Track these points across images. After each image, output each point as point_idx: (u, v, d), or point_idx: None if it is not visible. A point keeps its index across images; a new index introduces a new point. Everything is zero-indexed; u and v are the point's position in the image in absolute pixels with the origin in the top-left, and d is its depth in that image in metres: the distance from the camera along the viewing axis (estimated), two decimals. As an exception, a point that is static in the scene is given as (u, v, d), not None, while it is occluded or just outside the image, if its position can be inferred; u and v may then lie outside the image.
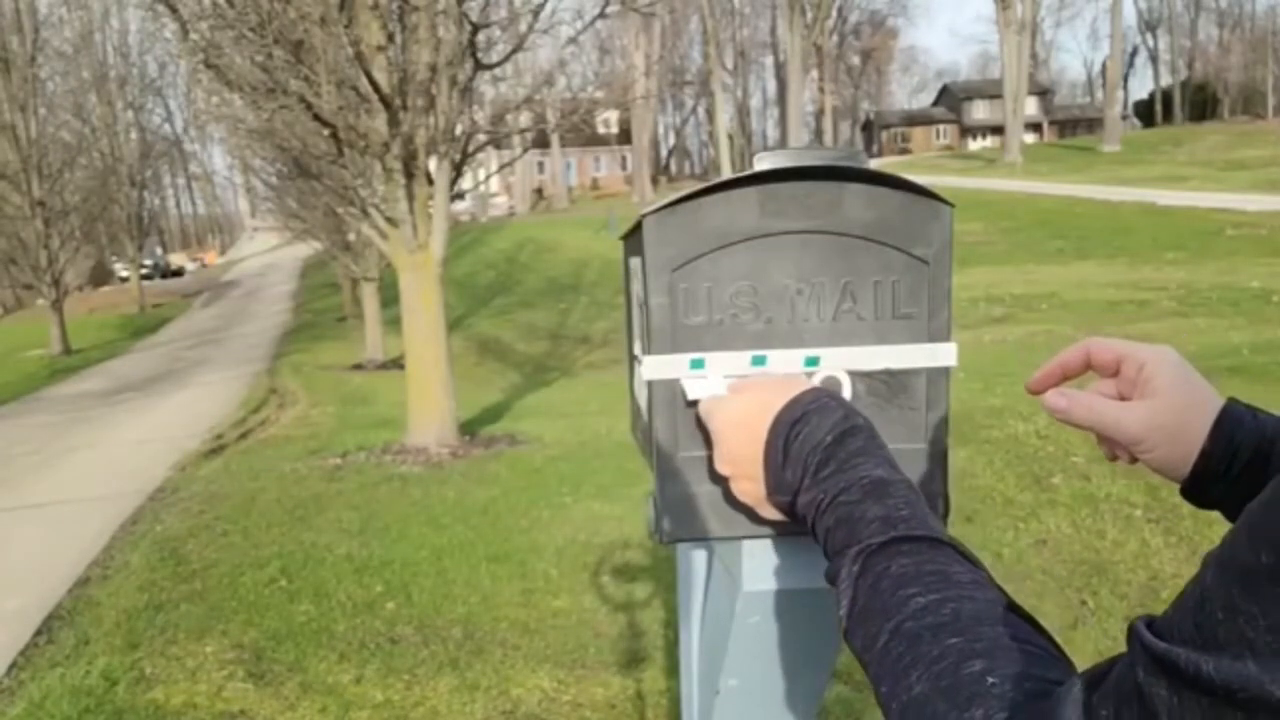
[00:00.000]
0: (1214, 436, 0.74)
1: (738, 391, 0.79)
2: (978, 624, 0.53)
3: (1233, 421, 0.74)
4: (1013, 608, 0.55)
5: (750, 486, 0.75)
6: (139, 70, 33.19)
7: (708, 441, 0.81)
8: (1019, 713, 0.48)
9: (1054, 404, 0.79)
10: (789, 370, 0.83)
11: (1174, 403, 0.76)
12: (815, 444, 0.68)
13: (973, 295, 14.35)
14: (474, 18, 7.32)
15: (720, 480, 0.79)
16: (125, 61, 32.40)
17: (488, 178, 24.15)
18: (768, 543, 0.85)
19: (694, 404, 0.83)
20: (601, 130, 54.10)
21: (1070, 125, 67.59)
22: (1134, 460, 0.79)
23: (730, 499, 0.81)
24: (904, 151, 64.72)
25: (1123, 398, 0.79)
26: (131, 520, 6.33)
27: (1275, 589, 0.38)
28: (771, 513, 0.74)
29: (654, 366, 0.83)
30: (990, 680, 0.50)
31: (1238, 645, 0.39)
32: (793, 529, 0.85)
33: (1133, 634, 0.45)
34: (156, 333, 25.33)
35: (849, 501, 0.64)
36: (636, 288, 0.90)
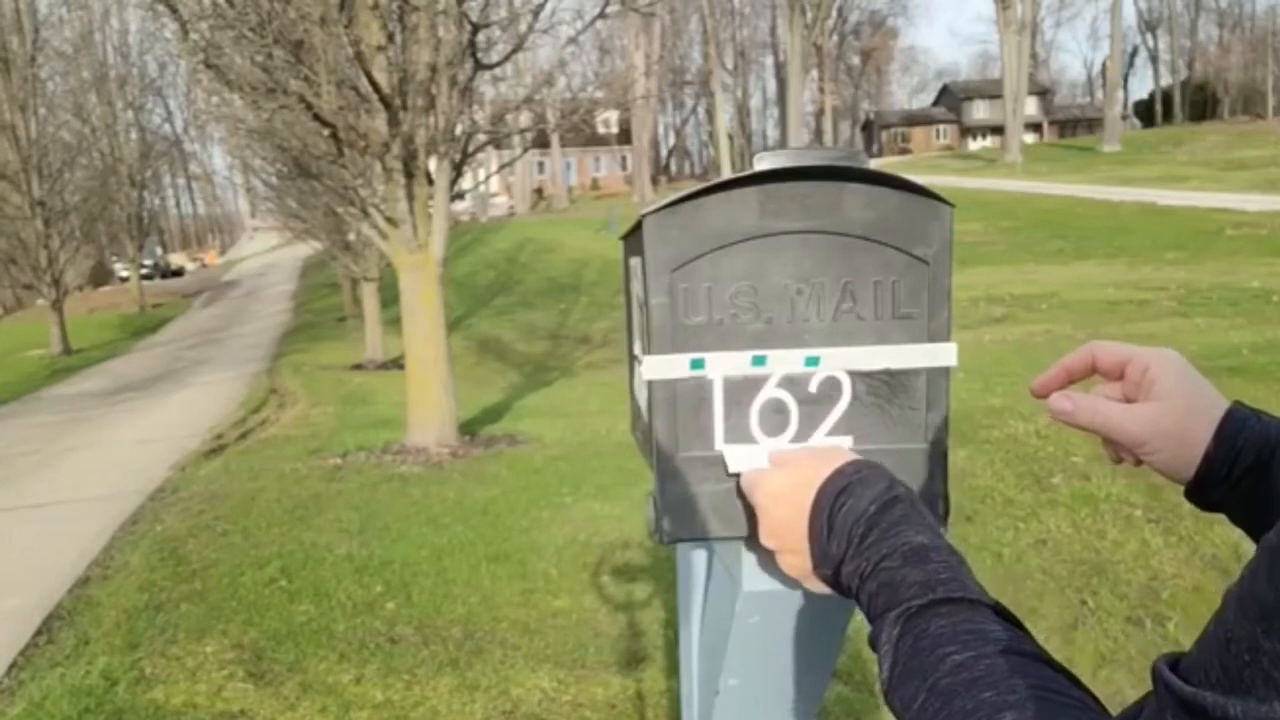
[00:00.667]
0: (1217, 440, 0.75)
1: (780, 465, 0.79)
2: (1011, 677, 0.54)
3: (1236, 425, 0.75)
4: (1049, 663, 0.56)
5: (796, 560, 0.75)
6: (139, 70, 33.21)
7: (751, 516, 0.81)
8: None
9: (1059, 407, 0.80)
10: (828, 444, 0.84)
11: (1177, 405, 0.77)
12: (859, 515, 0.68)
13: (973, 295, 14.35)
14: (474, 18, 7.32)
15: (767, 551, 0.79)
16: (125, 61, 32.41)
17: (488, 178, 24.15)
18: (768, 543, 0.85)
19: (735, 475, 0.83)
20: (601, 130, 54.08)
21: (1070, 125, 67.59)
22: (1139, 463, 0.80)
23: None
24: (904, 151, 64.72)
25: (1128, 401, 0.80)
26: (131, 520, 6.33)
27: None
28: (818, 585, 0.74)
29: (654, 366, 0.83)
30: None
31: (1264, 687, 0.39)
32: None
33: (1157, 676, 0.45)
34: (156, 333, 25.33)
35: (890, 567, 0.64)
36: (636, 288, 0.90)
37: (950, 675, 0.55)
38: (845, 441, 0.85)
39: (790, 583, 0.84)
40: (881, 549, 0.66)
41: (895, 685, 0.59)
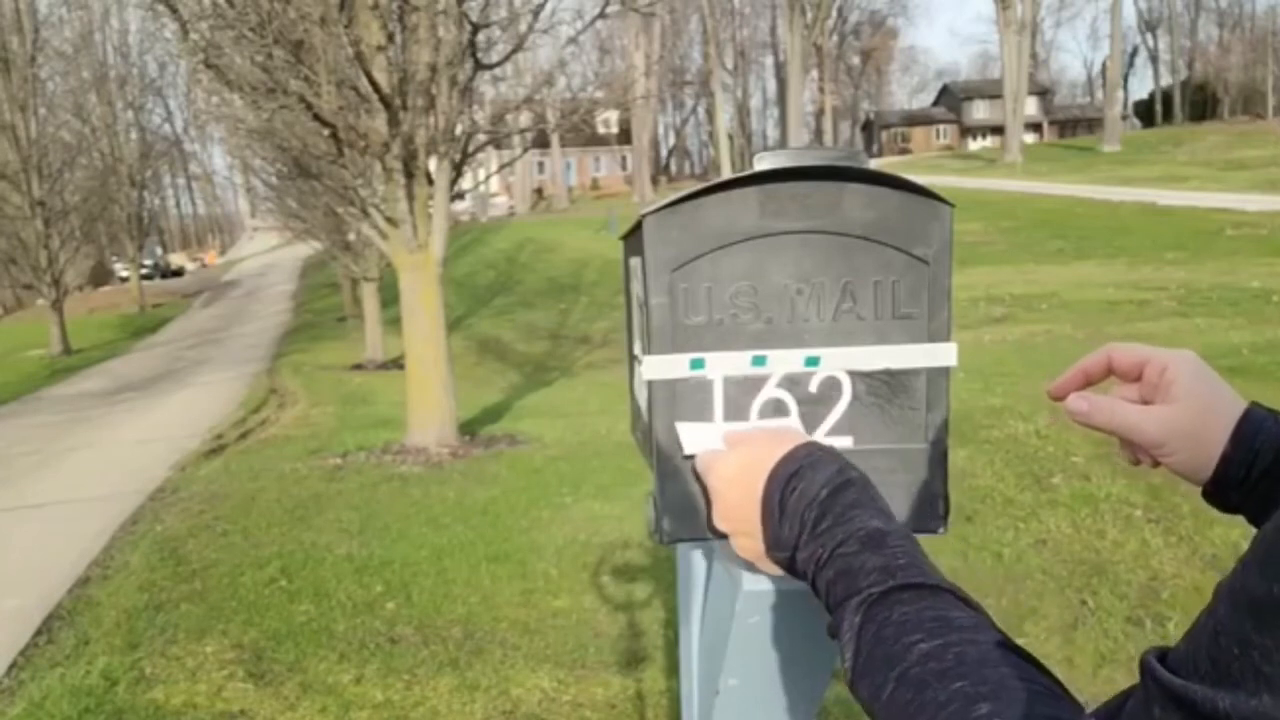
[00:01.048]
0: (1234, 441, 0.75)
1: (733, 446, 0.78)
2: (981, 667, 0.53)
3: (1254, 426, 0.75)
4: (1014, 649, 0.55)
5: (749, 543, 0.74)
6: (139, 70, 33.21)
7: (706, 498, 0.80)
8: None
9: (1076, 408, 0.80)
10: (781, 424, 0.83)
11: (1194, 406, 0.76)
12: (811, 499, 0.68)
13: (973, 295, 14.35)
14: (474, 18, 7.32)
15: (719, 535, 0.79)
16: (125, 61, 32.42)
17: (488, 178, 24.16)
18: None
19: (690, 458, 0.83)
20: (601, 130, 54.07)
21: (1070, 125, 67.59)
22: (1156, 464, 0.80)
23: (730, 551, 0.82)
24: (904, 151, 64.72)
25: (1145, 402, 0.80)
26: (131, 520, 6.33)
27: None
28: (771, 568, 0.74)
29: (654, 366, 0.83)
30: None
31: (1253, 681, 0.39)
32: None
33: (1145, 668, 0.45)
34: (156, 333, 25.34)
35: (847, 554, 0.64)
36: (636, 288, 0.90)
37: (919, 665, 0.55)
38: (846, 441, 0.85)
39: (791, 582, 0.84)
40: (836, 535, 0.65)
41: (860, 674, 0.59)
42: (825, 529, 0.66)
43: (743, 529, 0.74)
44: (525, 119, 10.08)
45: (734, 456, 0.77)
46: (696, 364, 0.83)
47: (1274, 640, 0.38)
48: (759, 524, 0.72)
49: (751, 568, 0.80)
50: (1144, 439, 0.78)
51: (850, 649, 0.60)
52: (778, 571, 0.73)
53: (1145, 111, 68.01)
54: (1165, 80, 67.01)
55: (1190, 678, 0.41)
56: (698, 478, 0.82)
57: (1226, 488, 0.76)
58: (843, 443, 0.85)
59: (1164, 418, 0.77)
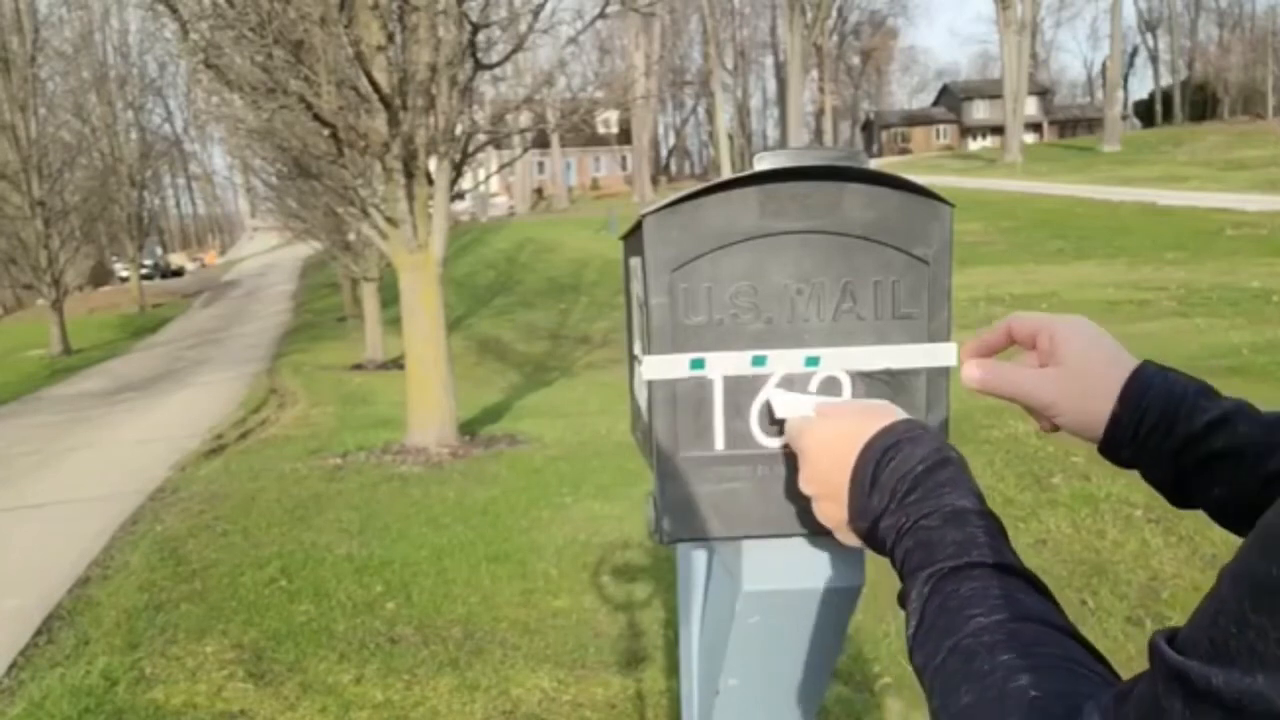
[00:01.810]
0: (1123, 400, 0.77)
1: (828, 415, 0.79)
2: (1034, 645, 0.54)
3: (1142, 385, 0.77)
4: (1074, 636, 0.56)
5: (833, 508, 0.75)
6: (139, 70, 33.21)
7: (793, 460, 0.81)
8: None
9: (970, 375, 0.83)
10: (869, 401, 0.83)
11: (1081, 368, 0.79)
12: (905, 472, 0.68)
13: (973, 295, 14.34)
14: (474, 18, 7.32)
15: (804, 498, 0.79)
16: (125, 61, 32.42)
17: (488, 178, 24.15)
18: (768, 543, 0.86)
19: (778, 422, 0.83)
20: (601, 130, 54.07)
21: (1070, 125, 67.60)
22: (1055, 428, 0.82)
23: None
24: (904, 151, 64.72)
25: (1041, 367, 0.82)
26: (131, 520, 6.33)
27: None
28: (850, 537, 0.74)
29: (654, 366, 0.83)
30: (1034, 694, 0.51)
31: (1248, 659, 0.39)
32: (793, 530, 0.85)
33: (1152, 648, 0.45)
34: (156, 333, 25.34)
35: (929, 526, 0.64)
36: (636, 288, 0.90)
37: (973, 636, 0.56)
38: None
39: (791, 582, 0.84)
40: (923, 507, 0.66)
41: (919, 643, 0.60)
42: (914, 501, 0.67)
43: (828, 493, 0.75)
44: (525, 119, 10.08)
45: (831, 424, 0.77)
46: (696, 364, 0.83)
47: (1270, 619, 0.38)
48: (846, 491, 0.72)
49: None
50: (1036, 402, 0.80)
51: (915, 618, 0.61)
52: (854, 540, 0.74)
53: (1145, 111, 68.01)
54: (1165, 80, 67.03)
55: (1191, 656, 0.42)
56: (786, 444, 0.83)
57: (1117, 445, 0.78)
58: None
59: (1053, 380, 0.80)
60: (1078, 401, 0.79)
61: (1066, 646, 0.54)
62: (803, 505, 0.81)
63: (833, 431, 0.76)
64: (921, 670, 0.59)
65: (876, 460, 0.70)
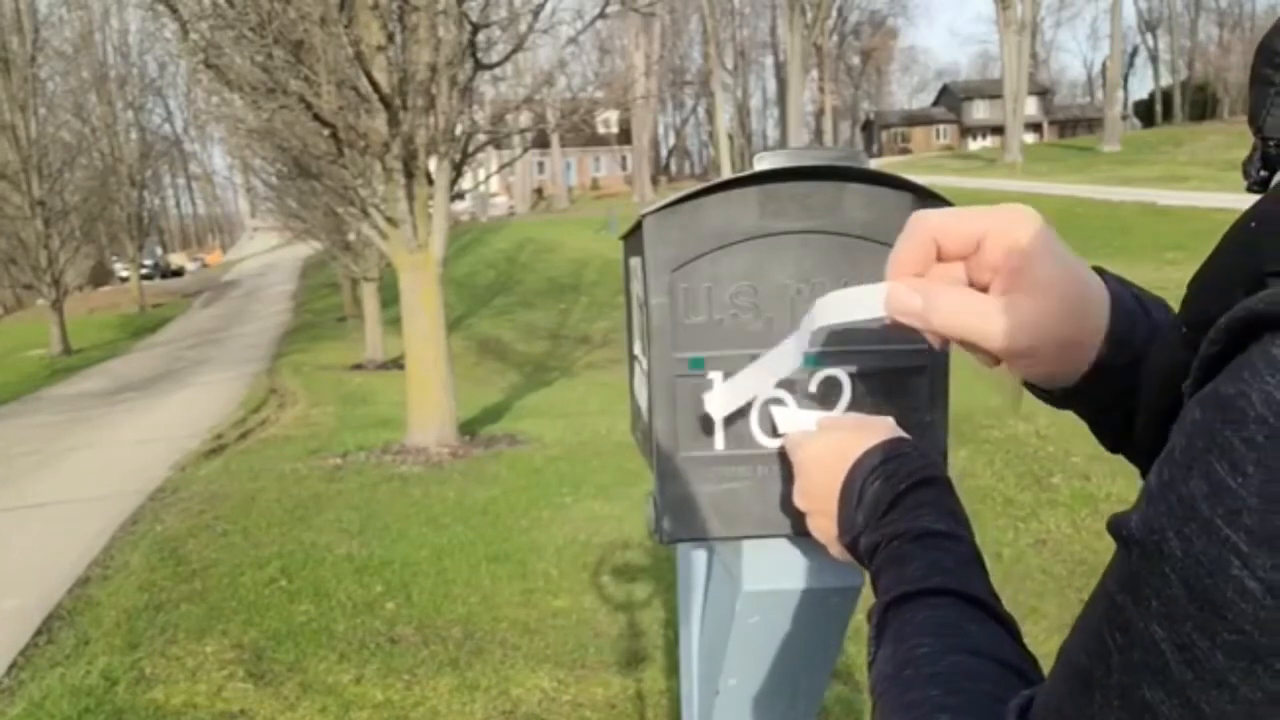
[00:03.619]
0: (1111, 342, 0.59)
1: (826, 430, 0.79)
2: (965, 679, 0.53)
3: (1128, 322, 0.60)
4: (1019, 671, 0.55)
5: (825, 524, 0.75)
6: (139, 70, 33.21)
7: (789, 475, 0.81)
8: None
9: (903, 303, 0.61)
10: (869, 417, 0.83)
11: (1066, 300, 0.58)
12: (888, 491, 0.68)
13: (973, 295, 14.34)
14: (474, 18, 7.32)
15: (798, 513, 0.80)
16: (125, 61, 32.42)
17: (488, 178, 24.16)
18: (768, 543, 0.86)
19: (780, 436, 0.84)
20: (601, 130, 54.05)
21: (1070, 125, 67.58)
22: (997, 363, 0.61)
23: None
24: (904, 151, 64.70)
25: (978, 286, 0.61)
26: (131, 520, 6.33)
27: (1090, 695, 0.39)
28: (841, 553, 0.75)
29: (719, 400, 0.84)
30: None
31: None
32: (793, 530, 0.85)
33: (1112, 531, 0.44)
34: (156, 333, 25.33)
35: (900, 548, 0.64)
36: (636, 288, 0.90)
37: (914, 666, 0.55)
38: None
39: (791, 582, 0.84)
40: (898, 527, 0.65)
41: (873, 665, 0.60)
42: (890, 521, 0.66)
43: (821, 509, 0.75)
44: (525, 119, 10.08)
45: (825, 439, 0.77)
46: (696, 364, 0.83)
47: (1074, 707, 0.40)
48: (837, 506, 0.72)
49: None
50: (1009, 349, 0.58)
51: (874, 640, 0.61)
52: (846, 557, 0.74)
53: (1145, 111, 67.99)
54: (1165, 80, 67.00)
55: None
56: (783, 456, 0.83)
57: (1086, 394, 0.61)
58: None
59: (1030, 320, 0.57)
60: (1061, 346, 0.58)
61: (1003, 683, 0.53)
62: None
63: (826, 447, 0.76)
64: (872, 694, 0.59)
65: (864, 478, 0.70)
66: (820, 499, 0.75)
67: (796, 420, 0.83)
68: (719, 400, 0.83)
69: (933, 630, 0.57)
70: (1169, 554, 0.34)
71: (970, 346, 0.60)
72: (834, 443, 0.76)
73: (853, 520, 0.70)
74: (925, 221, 0.61)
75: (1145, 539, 0.36)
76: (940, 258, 0.61)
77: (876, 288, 0.62)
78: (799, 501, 0.79)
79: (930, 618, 0.58)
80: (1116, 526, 0.39)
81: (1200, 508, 0.33)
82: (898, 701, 0.54)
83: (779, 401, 0.84)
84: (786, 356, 0.77)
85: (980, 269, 0.60)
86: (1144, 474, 0.43)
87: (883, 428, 0.76)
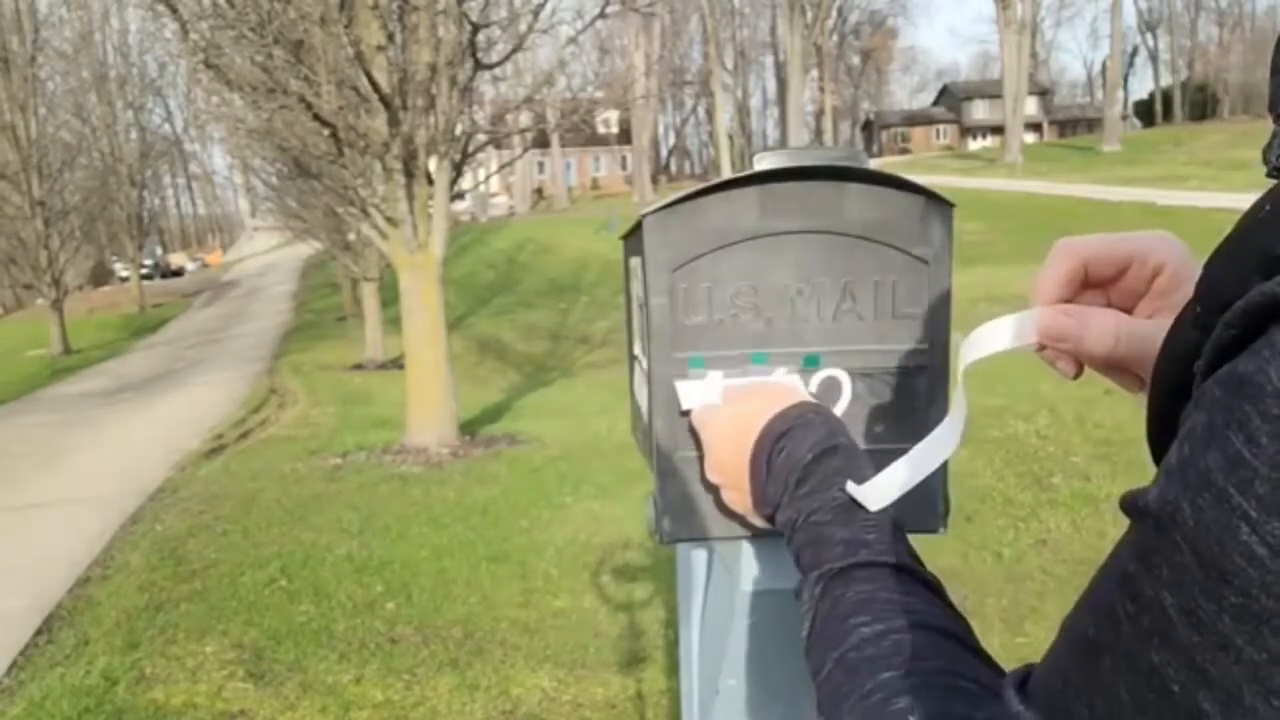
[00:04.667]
0: None
1: (729, 402, 0.79)
2: (914, 659, 0.53)
3: None
4: (958, 639, 0.55)
5: (738, 496, 0.75)
6: (139, 70, 33.19)
7: (700, 449, 0.81)
8: None
9: (1061, 329, 0.59)
10: (786, 376, 0.83)
11: None
12: (796, 460, 0.67)
13: (973, 295, 14.33)
14: (474, 18, 7.32)
15: (712, 487, 0.80)
16: (125, 61, 32.40)
17: (488, 178, 24.16)
18: (768, 543, 0.85)
19: (687, 412, 0.83)
20: (601, 130, 54.03)
21: (1070, 125, 67.59)
22: (1079, 373, 0.62)
23: (720, 504, 0.82)
24: (904, 151, 64.70)
25: (1123, 310, 0.61)
26: (131, 520, 6.33)
27: (1098, 662, 0.39)
28: (760, 522, 0.75)
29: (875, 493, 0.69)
30: (911, 718, 0.50)
31: (1063, 716, 0.40)
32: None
33: (999, 692, 0.45)
34: (156, 332, 25.32)
35: (819, 522, 0.64)
36: (636, 288, 0.90)
37: (857, 649, 0.55)
38: None
39: (790, 582, 0.84)
40: (813, 501, 0.65)
41: (811, 648, 0.59)
42: (805, 494, 0.66)
43: (732, 483, 0.75)
44: (525, 119, 10.08)
45: (729, 412, 0.77)
46: (696, 364, 0.83)
47: (1081, 678, 0.40)
48: (748, 479, 0.72)
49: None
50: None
51: (807, 621, 0.60)
52: (765, 525, 0.74)
53: (1145, 111, 67.97)
54: (1165, 80, 66.99)
55: (1033, 706, 0.43)
56: (693, 431, 0.82)
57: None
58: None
59: None
60: None
61: (952, 656, 0.53)
62: None
63: (730, 420, 0.76)
64: (813, 678, 0.58)
65: (770, 449, 0.70)
66: (730, 473, 0.75)
67: (700, 393, 0.82)
68: (694, 393, 0.82)
69: (869, 608, 0.57)
70: (1181, 523, 0.35)
71: (1119, 371, 0.60)
72: (738, 414, 0.75)
73: (765, 493, 0.70)
74: (1074, 246, 0.61)
75: (1160, 510, 0.36)
76: (1086, 283, 0.61)
77: (1025, 315, 0.60)
78: (710, 475, 0.78)
79: (864, 595, 0.58)
80: (1132, 500, 0.39)
81: (1215, 478, 0.34)
82: (846, 687, 0.54)
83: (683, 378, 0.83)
84: (942, 441, 0.67)
85: (1124, 294, 0.60)
86: (1154, 454, 0.43)
87: (785, 394, 0.75)
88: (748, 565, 0.86)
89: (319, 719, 3.48)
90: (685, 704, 1.11)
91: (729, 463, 0.75)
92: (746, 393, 0.79)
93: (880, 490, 0.64)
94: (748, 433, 0.72)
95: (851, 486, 0.65)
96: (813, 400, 0.75)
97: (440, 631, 4.17)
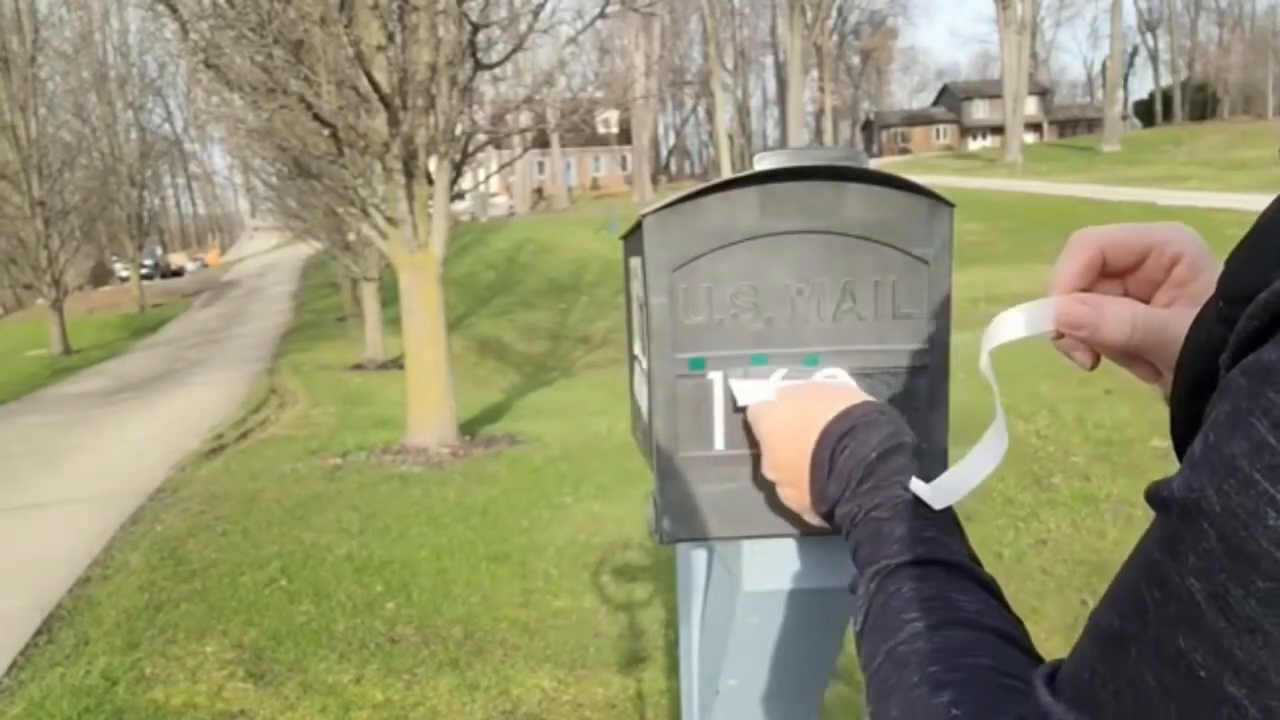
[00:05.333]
0: None
1: (787, 399, 0.79)
2: (962, 654, 0.54)
3: None
4: (1008, 638, 0.55)
5: (795, 494, 0.75)
6: (139, 70, 33.16)
7: (755, 445, 0.81)
8: None
9: (1078, 317, 0.59)
10: (830, 378, 0.83)
11: None
12: (860, 458, 0.68)
13: (973, 295, 14.33)
14: (474, 18, 7.32)
15: (766, 484, 0.80)
16: (125, 61, 32.37)
17: (488, 178, 24.16)
18: (768, 543, 0.86)
19: (742, 409, 0.83)
20: (601, 130, 54.01)
21: (1070, 125, 67.58)
22: (1095, 365, 0.62)
23: (775, 501, 0.81)
24: (904, 151, 64.69)
25: (1140, 300, 0.61)
26: (131, 520, 6.33)
27: (1125, 651, 0.39)
28: (815, 520, 0.75)
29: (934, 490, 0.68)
30: (954, 712, 0.50)
31: (1091, 706, 0.40)
32: (793, 530, 0.85)
33: (1031, 686, 0.46)
34: (157, 332, 25.31)
35: (879, 519, 0.64)
36: (636, 288, 0.90)
37: (907, 643, 0.55)
38: None
39: (790, 582, 0.84)
40: (875, 497, 0.65)
41: (863, 640, 0.60)
42: (867, 490, 0.66)
43: (790, 479, 0.75)
44: (525, 119, 10.08)
45: (788, 408, 0.77)
46: (696, 364, 0.83)
47: (1108, 669, 0.40)
48: (807, 477, 0.72)
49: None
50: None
51: (860, 614, 0.61)
52: (820, 524, 0.74)
53: (1145, 111, 67.96)
54: (1165, 80, 66.97)
55: (1061, 698, 0.43)
56: (748, 429, 0.82)
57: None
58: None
59: None
60: None
61: (999, 653, 0.54)
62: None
63: (790, 416, 0.76)
64: (863, 669, 0.59)
65: (833, 446, 0.70)
66: (788, 470, 0.75)
67: (756, 391, 0.83)
68: (751, 391, 0.82)
69: (921, 604, 0.57)
70: (1207, 509, 0.35)
71: (1135, 360, 0.61)
72: (797, 411, 0.75)
73: (825, 490, 0.70)
74: (1091, 236, 0.61)
75: (1185, 498, 0.37)
76: (1104, 272, 0.61)
77: (1042, 303, 0.61)
78: (767, 472, 0.78)
79: (917, 590, 0.58)
80: (1156, 490, 0.39)
81: (1240, 465, 0.34)
82: (894, 680, 0.54)
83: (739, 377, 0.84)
84: (996, 441, 0.65)
85: (1141, 283, 0.61)
86: (1177, 449, 0.43)
87: (845, 394, 0.75)
88: (748, 565, 0.86)
89: (319, 719, 3.48)
90: (685, 704, 1.11)
91: (788, 459, 0.75)
92: (805, 391, 0.79)
93: (945, 489, 0.64)
94: (809, 430, 0.72)
95: (916, 484, 0.65)
96: (875, 400, 0.75)
97: (440, 631, 4.18)
